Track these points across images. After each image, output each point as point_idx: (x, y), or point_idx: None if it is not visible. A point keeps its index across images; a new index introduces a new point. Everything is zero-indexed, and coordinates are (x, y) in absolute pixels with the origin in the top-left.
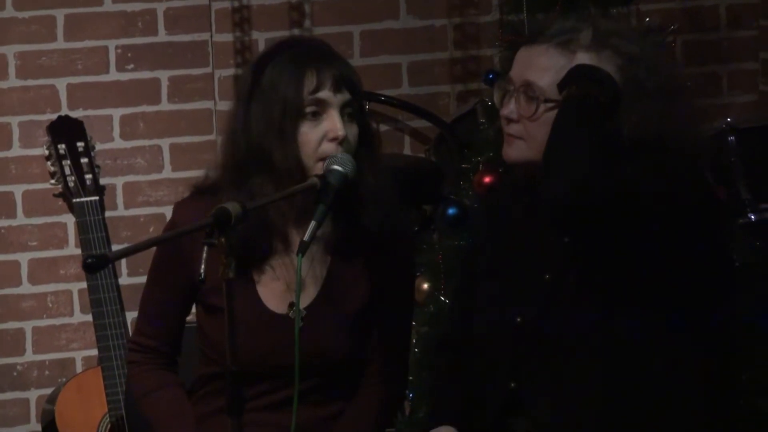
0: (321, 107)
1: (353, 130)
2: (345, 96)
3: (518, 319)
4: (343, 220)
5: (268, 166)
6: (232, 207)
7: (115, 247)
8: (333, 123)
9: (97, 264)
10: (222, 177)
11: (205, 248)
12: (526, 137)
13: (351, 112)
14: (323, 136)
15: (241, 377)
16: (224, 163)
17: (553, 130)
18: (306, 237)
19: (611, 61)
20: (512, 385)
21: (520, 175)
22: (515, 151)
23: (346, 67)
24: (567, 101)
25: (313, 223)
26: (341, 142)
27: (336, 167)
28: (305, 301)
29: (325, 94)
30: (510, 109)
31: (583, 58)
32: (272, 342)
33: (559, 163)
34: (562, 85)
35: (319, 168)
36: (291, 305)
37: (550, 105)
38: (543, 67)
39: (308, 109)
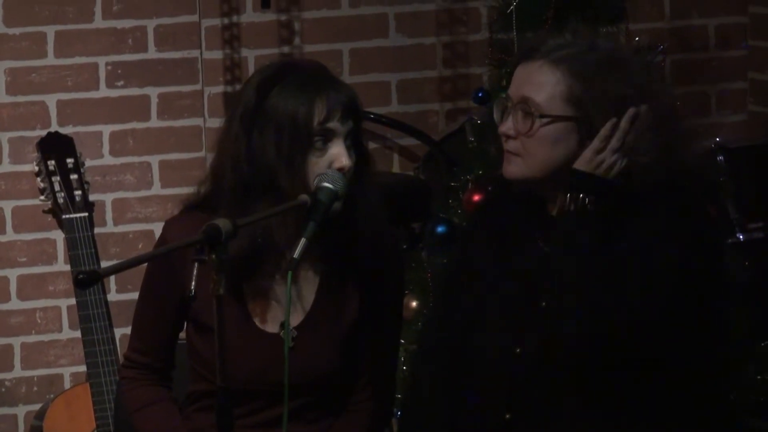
0: (328, 136)
1: (354, 158)
2: (350, 125)
3: (517, 350)
4: (333, 239)
5: (273, 192)
6: (223, 223)
7: (103, 264)
8: (340, 153)
9: (89, 280)
10: (222, 198)
11: (196, 265)
12: (523, 154)
13: (353, 139)
14: (329, 166)
15: (232, 395)
16: (224, 185)
17: (558, 251)
18: (295, 254)
19: (610, 96)
20: (507, 416)
21: (518, 192)
22: (514, 167)
23: (352, 93)
24: (564, 219)
25: (302, 240)
26: (347, 171)
27: (326, 184)
28: (296, 320)
29: (333, 124)
30: (508, 125)
31: (575, 84)
32: (263, 361)
33: (575, 295)
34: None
35: None
36: (282, 325)
37: (545, 120)
38: (539, 82)
39: (317, 139)
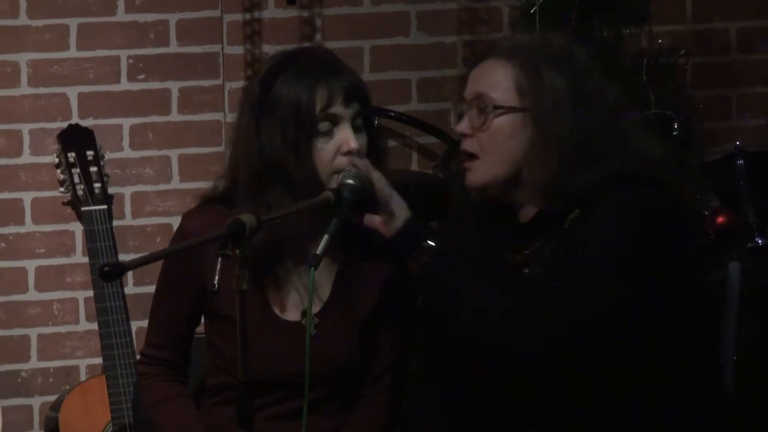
0: (333, 121)
1: (363, 140)
2: (355, 107)
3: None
4: (351, 229)
5: (284, 180)
6: (247, 219)
7: (121, 257)
8: (346, 136)
9: (114, 272)
10: (236, 190)
11: (219, 259)
12: (480, 152)
13: (360, 122)
14: (337, 150)
15: (252, 387)
16: (238, 176)
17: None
18: (318, 250)
19: (555, 90)
20: (495, 415)
21: (487, 199)
22: (475, 174)
23: (354, 77)
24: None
25: (326, 237)
26: (354, 154)
27: (349, 181)
28: (314, 308)
29: (336, 108)
30: (463, 124)
31: (525, 76)
32: (284, 350)
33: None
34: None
35: (334, 180)
36: (303, 313)
37: (499, 111)
38: (491, 77)
39: (321, 125)
